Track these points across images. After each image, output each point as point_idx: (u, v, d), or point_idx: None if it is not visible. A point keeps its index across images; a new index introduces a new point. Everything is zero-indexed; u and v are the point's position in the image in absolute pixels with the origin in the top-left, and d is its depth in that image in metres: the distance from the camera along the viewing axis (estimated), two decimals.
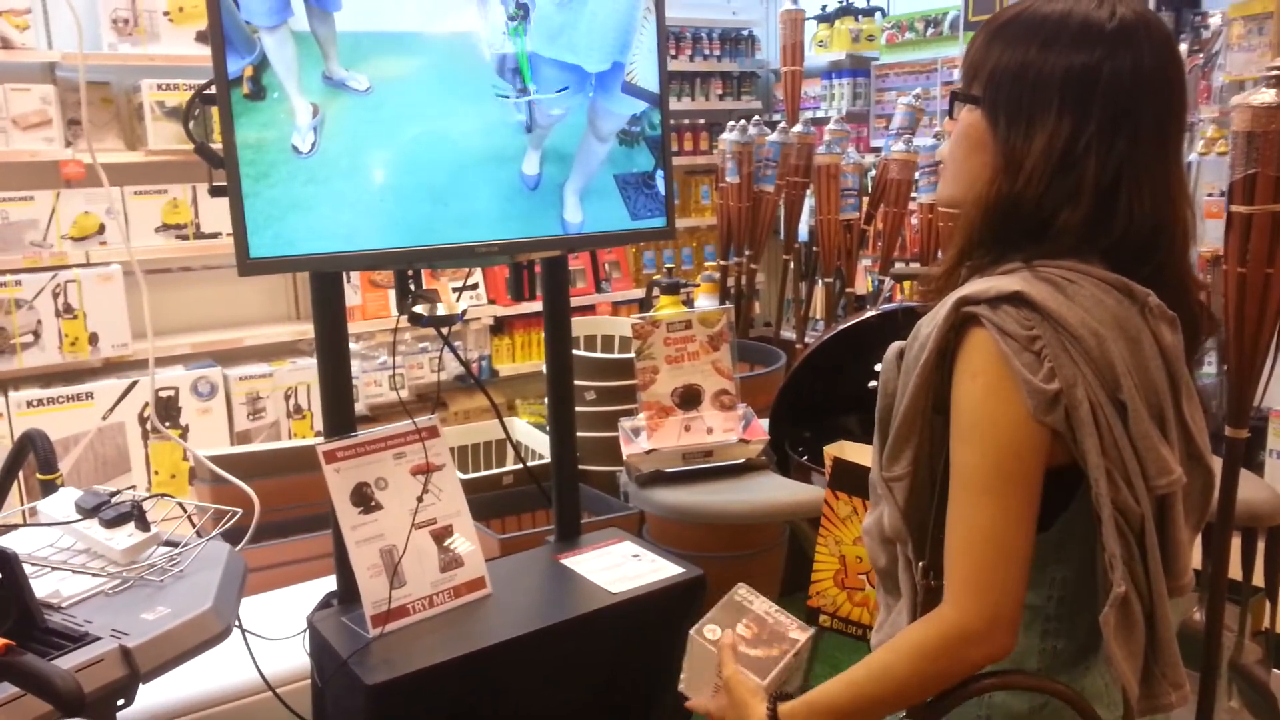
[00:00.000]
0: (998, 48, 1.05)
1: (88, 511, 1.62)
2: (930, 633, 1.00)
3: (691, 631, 1.24)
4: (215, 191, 1.56)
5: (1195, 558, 2.14)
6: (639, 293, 4.99)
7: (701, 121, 5.40)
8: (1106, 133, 1.00)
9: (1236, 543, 1.99)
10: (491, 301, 4.61)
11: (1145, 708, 1.02)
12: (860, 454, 2.11)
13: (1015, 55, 1.03)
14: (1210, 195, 3.65)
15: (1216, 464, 1.12)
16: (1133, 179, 1.00)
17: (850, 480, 1.85)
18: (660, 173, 1.94)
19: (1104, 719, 1.05)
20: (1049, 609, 1.05)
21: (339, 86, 1.58)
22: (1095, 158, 1.00)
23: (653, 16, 1.86)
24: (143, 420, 3.62)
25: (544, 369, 2.10)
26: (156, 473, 3.67)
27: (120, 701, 1.39)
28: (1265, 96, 1.58)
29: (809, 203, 3.92)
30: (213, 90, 1.51)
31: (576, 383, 2.29)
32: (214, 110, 1.54)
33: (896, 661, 1.01)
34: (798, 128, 3.74)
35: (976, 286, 1.00)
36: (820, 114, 5.14)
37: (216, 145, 1.55)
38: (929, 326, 1.03)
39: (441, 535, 1.76)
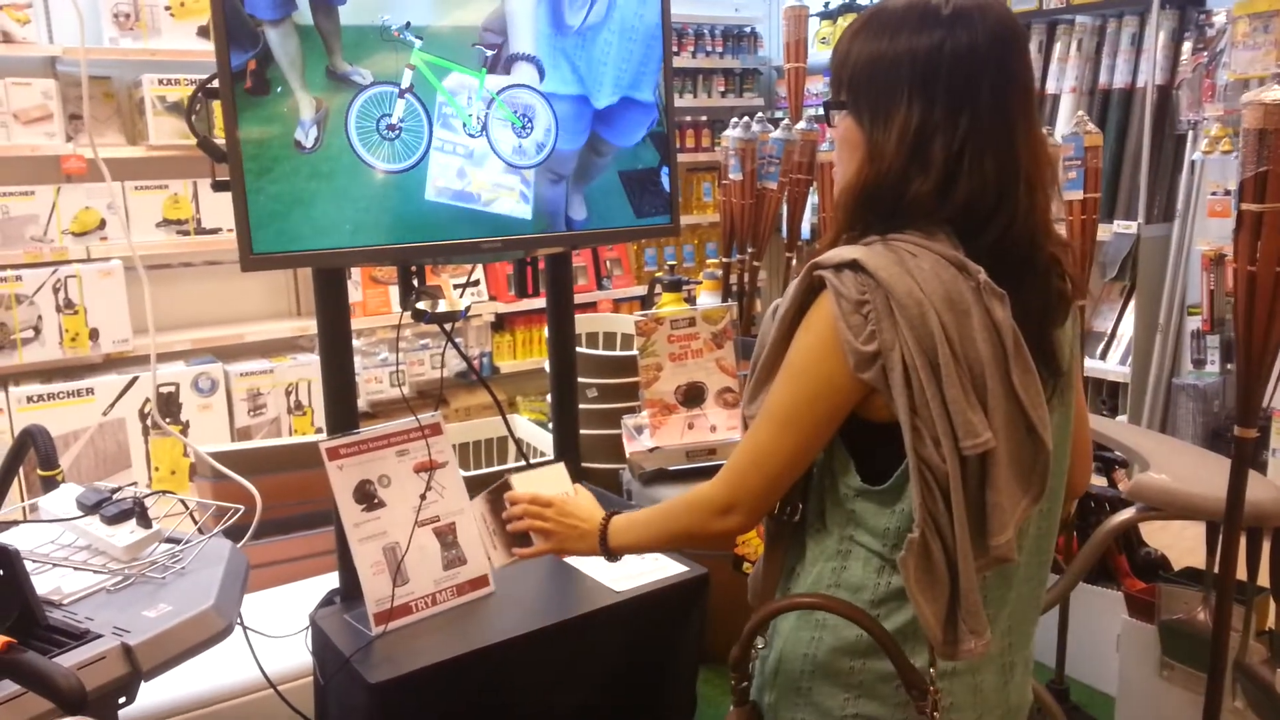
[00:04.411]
0: (855, 49, 1.15)
1: (89, 508, 1.61)
2: (693, 496, 1.24)
3: (476, 502, 1.55)
4: (218, 186, 1.55)
5: (1197, 555, 2.13)
6: (640, 290, 4.98)
7: (704, 118, 5.39)
8: (951, 110, 1.08)
9: (1241, 542, 1.98)
10: (493, 298, 4.60)
11: (949, 652, 1.08)
12: None
13: (868, 52, 1.13)
14: (1214, 194, 3.64)
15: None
16: (975, 150, 1.08)
17: None
18: (665, 170, 1.93)
19: (914, 651, 1.12)
20: (885, 552, 1.14)
21: (343, 81, 1.57)
22: (943, 135, 1.08)
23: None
24: (143, 416, 3.61)
25: (545, 366, 2.09)
26: (157, 469, 3.66)
27: (122, 699, 1.38)
28: (1277, 94, 1.56)
29: (812, 200, 3.91)
30: (216, 84, 1.50)
31: (578, 380, 2.28)
32: (216, 105, 1.53)
33: (672, 508, 1.29)
34: (801, 125, 3.72)
35: (827, 254, 1.12)
36: (822, 111, 5.12)
37: (219, 140, 1.54)
38: (792, 286, 1.15)
39: (445, 533, 1.75)
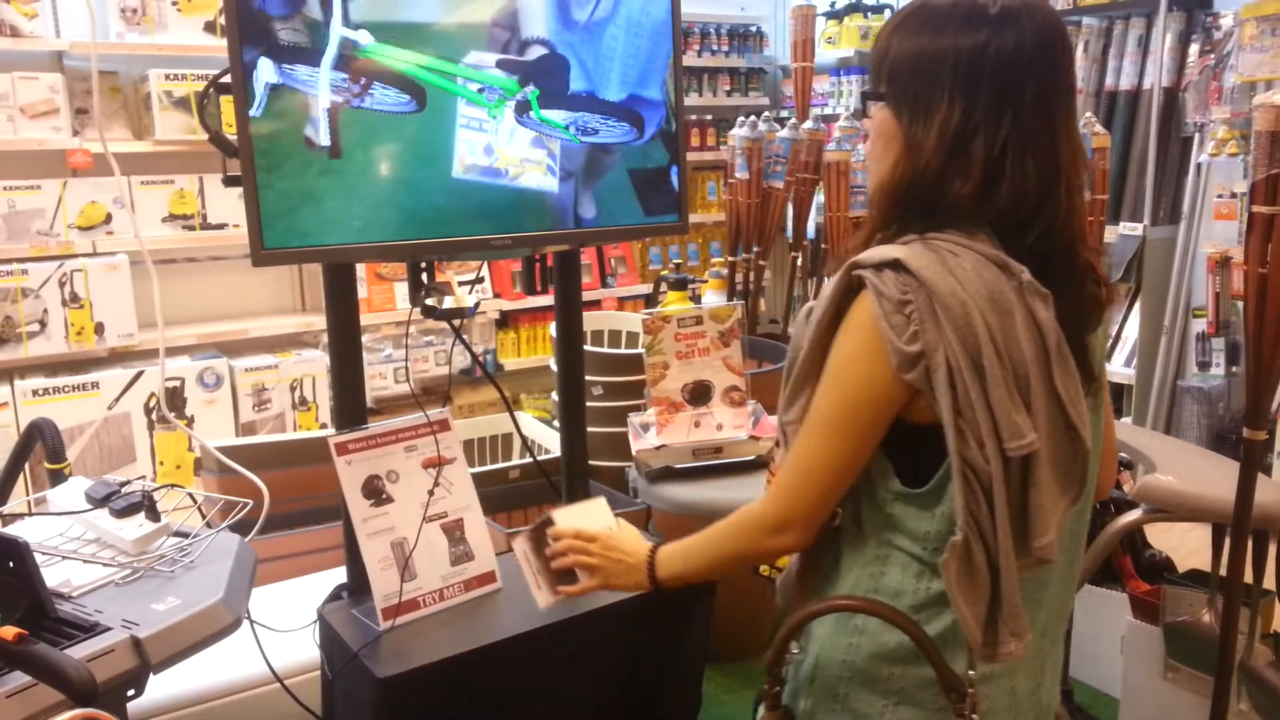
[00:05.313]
0: (896, 42, 1.13)
1: (98, 501, 1.61)
2: (743, 516, 1.21)
3: (518, 541, 1.48)
4: (229, 181, 1.55)
5: (1202, 558, 2.13)
6: (645, 288, 4.98)
7: (709, 117, 5.38)
8: (994, 110, 1.07)
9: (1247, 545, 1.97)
10: (497, 295, 4.60)
11: (988, 654, 1.07)
12: None
13: (910, 46, 1.11)
14: (1220, 196, 3.64)
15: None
16: (1018, 151, 1.07)
17: None
18: (675, 169, 1.92)
19: (953, 656, 1.10)
20: (925, 556, 1.12)
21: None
22: (984, 134, 1.07)
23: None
24: (148, 410, 3.61)
25: (549, 363, 2.09)
26: (162, 463, 3.66)
27: (130, 692, 1.39)
28: None
29: (818, 200, 3.91)
30: (228, 79, 1.50)
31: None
32: (225, 100, 1.53)
33: (721, 531, 1.25)
34: (808, 124, 3.72)
35: (866, 253, 1.09)
36: (828, 111, 5.12)
37: (231, 135, 1.54)
38: (829, 287, 1.13)
39: (452, 529, 1.75)
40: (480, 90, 1.65)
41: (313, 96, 1.54)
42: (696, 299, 3.51)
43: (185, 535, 1.62)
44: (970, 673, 1.10)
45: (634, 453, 2.35)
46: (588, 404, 2.07)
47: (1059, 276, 1.09)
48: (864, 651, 1.14)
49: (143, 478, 1.75)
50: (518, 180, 1.71)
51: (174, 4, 3.70)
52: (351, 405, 1.75)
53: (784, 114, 4.92)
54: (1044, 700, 1.21)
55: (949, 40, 1.08)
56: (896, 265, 1.05)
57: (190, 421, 3.69)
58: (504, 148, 1.69)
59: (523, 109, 1.70)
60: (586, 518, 1.47)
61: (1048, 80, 1.08)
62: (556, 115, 1.73)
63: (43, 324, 3.53)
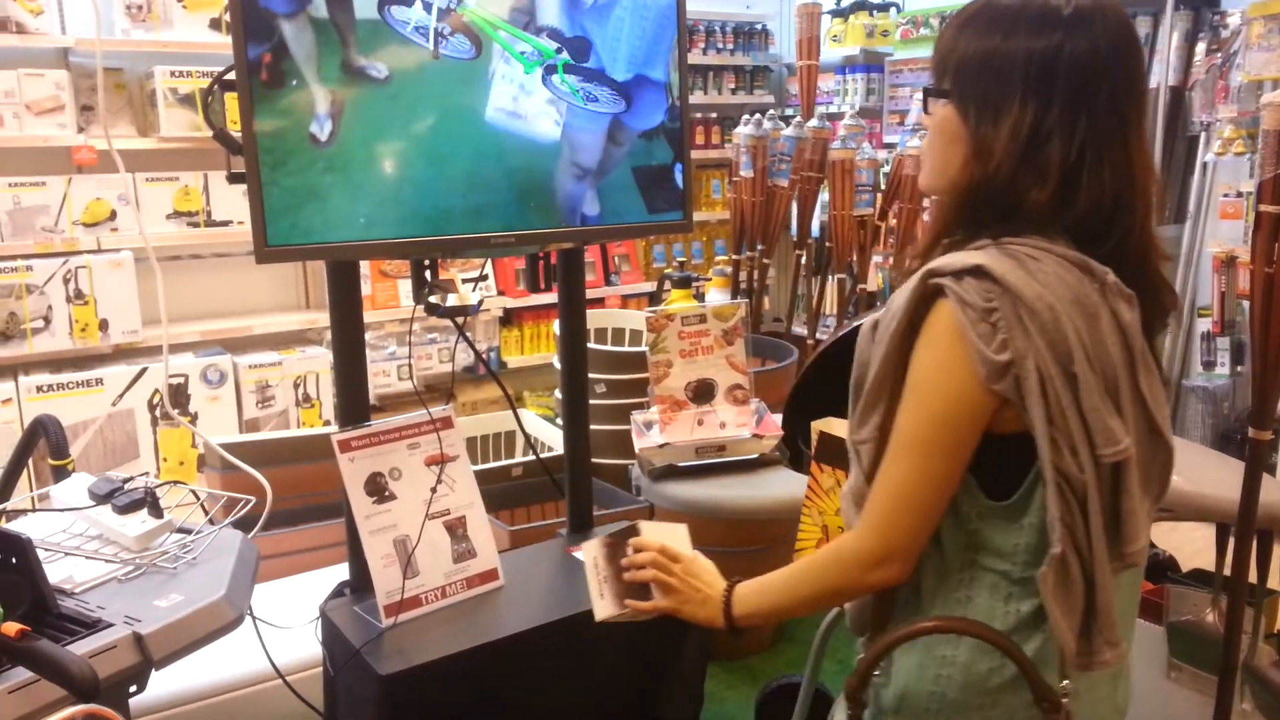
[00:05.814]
0: (963, 41, 1.10)
1: (101, 498, 1.61)
2: (836, 552, 1.15)
3: (591, 545, 1.39)
4: (233, 178, 1.55)
5: (1206, 557, 2.13)
6: (648, 286, 4.97)
7: (714, 115, 5.38)
8: (1068, 114, 1.05)
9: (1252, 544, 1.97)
10: (501, 293, 4.60)
11: (1083, 663, 1.06)
12: (846, 429, 2.10)
13: (979, 46, 1.08)
14: (1226, 196, 3.63)
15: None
16: (1094, 156, 1.05)
17: (835, 453, 1.85)
18: (679, 166, 1.92)
19: (1044, 674, 1.07)
20: (1014, 574, 1.09)
21: (358, 75, 1.57)
22: (1059, 139, 1.05)
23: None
24: (152, 407, 3.62)
25: (552, 361, 2.09)
26: (165, 459, 3.67)
27: (132, 688, 1.39)
28: None
29: (822, 198, 3.91)
30: (233, 76, 1.50)
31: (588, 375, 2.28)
32: (229, 97, 1.53)
33: (810, 568, 1.20)
34: (813, 122, 3.72)
35: (943, 260, 1.06)
36: (833, 109, 5.11)
37: (235, 133, 1.54)
38: (900, 298, 1.08)
39: (455, 526, 1.75)
40: (523, 52, 1.73)
41: (317, 91, 1.56)
42: (700, 297, 3.51)
43: (188, 532, 1.62)
44: (1065, 683, 1.07)
45: (637, 450, 2.35)
46: (591, 402, 2.07)
47: (1135, 282, 1.07)
48: (955, 683, 1.10)
49: (146, 474, 1.75)
50: (533, 124, 1.76)
51: (179, 1, 3.70)
52: (355, 402, 1.75)
53: (789, 112, 4.90)
54: (1119, 702, 1.19)
55: (1021, 41, 1.05)
56: (978, 272, 1.02)
57: (194, 418, 3.70)
58: (526, 99, 1.75)
59: (550, 71, 1.76)
60: (670, 537, 1.39)
61: (1120, 83, 1.06)
62: (573, 80, 1.79)
63: (47, 320, 3.54)
